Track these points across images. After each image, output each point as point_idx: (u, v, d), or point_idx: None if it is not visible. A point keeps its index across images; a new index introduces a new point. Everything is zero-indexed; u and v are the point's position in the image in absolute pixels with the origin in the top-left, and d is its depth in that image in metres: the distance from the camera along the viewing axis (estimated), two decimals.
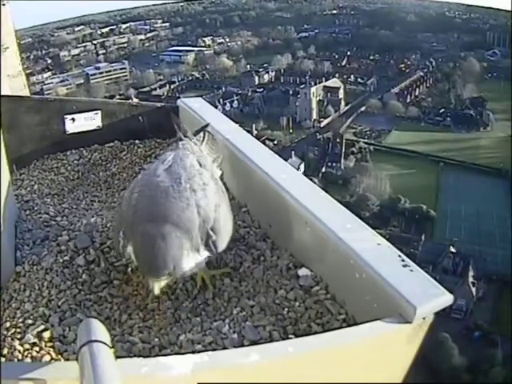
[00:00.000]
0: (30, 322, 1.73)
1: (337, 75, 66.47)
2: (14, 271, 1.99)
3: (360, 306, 1.64)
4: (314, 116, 60.26)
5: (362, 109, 62.35)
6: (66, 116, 3.02)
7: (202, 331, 1.71)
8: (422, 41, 75.72)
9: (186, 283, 1.98)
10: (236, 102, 60.95)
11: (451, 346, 27.62)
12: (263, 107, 60.56)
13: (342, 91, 63.09)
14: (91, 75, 69.79)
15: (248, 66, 72.65)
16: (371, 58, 73.36)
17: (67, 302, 1.84)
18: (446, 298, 1.50)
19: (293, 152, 47.96)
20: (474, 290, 32.66)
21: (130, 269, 2.04)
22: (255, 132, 49.98)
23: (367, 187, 44.85)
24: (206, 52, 77.01)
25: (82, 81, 69.18)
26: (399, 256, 1.64)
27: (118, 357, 1.21)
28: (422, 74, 68.14)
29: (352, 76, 68.86)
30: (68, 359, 1.58)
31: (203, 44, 79.60)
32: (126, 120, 3.15)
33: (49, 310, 1.80)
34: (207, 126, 2.35)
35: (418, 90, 65.66)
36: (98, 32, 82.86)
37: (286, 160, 2.42)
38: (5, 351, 1.59)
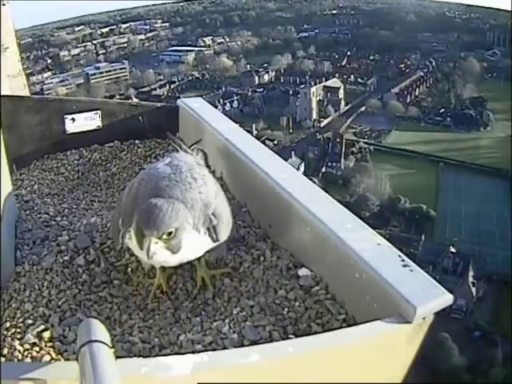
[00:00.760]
0: (29, 321, 1.73)
1: (337, 75, 66.48)
2: (14, 271, 1.99)
3: (360, 305, 1.63)
4: (314, 116, 60.25)
5: (362, 109, 62.35)
6: (65, 116, 3.03)
7: (202, 331, 1.70)
8: (421, 41, 75.75)
9: (186, 283, 1.98)
10: (236, 102, 60.95)
11: (451, 346, 27.61)
12: (263, 107, 60.55)
13: (341, 91, 63.09)
14: (91, 75, 69.81)
15: (248, 66, 72.66)
16: (371, 57, 73.36)
17: (67, 302, 1.84)
18: (446, 298, 1.50)
19: (293, 152, 47.94)
20: (474, 289, 32.65)
21: (129, 269, 2.05)
22: (255, 132, 49.97)
23: (367, 187, 44.82)
24: (206, 52, 77.04)
25: (82, 81, 69.20)
26: (399, 256, 1.64)
27: (118, 357, 1.21)
28: (422, 73, 68.15)
29: (352, 76, 68.87)
30: (68, 359, 1.58)
31: (203, 44, 79.62)
32: (126, 120, 3.15)
33: (49, 310, 1.80)
34: (200, 141, 2.39)
35: (418, 90, 65.67)
36: (98, 32, 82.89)
37: (286, 160, 2.42)
38: (5, 351, 1.59)
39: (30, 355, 1.58)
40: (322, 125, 58.94)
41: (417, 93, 65.47)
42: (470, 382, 26.98)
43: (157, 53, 78.87)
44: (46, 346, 1.63)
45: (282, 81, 67.76)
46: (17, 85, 3.77)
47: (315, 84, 62.00)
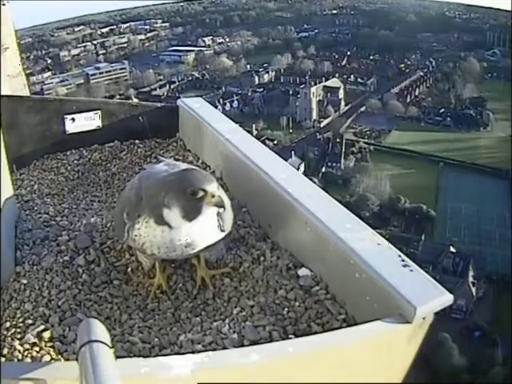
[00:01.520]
0: (29, 321, 1.73)
1: (337, 75, 66.47)
2: (14, 271, 1.99)
3: (360, 305, 1.63)
4: (314, 116, 60.24)
5: (362, 109, 62.34)
6: (65, 116, 3.03)
7: (202, 331, 1.70)
8: (421, 41, 75.71)
9: (185, 283, 1.98)
10: (236, 102, 60.93)
11: (451, 346, 27.59)
12: (263, 107, 60.54)
13: (342, 91, 63.08)
14: (91, 75, 69.79)
15: (248, 66, 72.62)
16: (371, 57, 73.33)
17: (67, 302, 1.84)
18: (445, 298, 1.50)
19: (293, 152, 47.94)
20: (474, 289, 32.64)
21: (129, 269, 2.05)
22: (255, 132, 49.94)
23: (367, 187, 44.81)
24: (206, 52, 77.00)
25: (81, 81, 69.18)
26: (399, 256, 1.64)
27: (117, 357, 1.21)
28: (422, 73, 68.15)
29: (352, 76, 68.82)
30: (68, 359, 1.58)
31: (203, 44, 79.60)
32: (126, 120, 3.15)
33: (49, 310, 1.80)
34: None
35: (418, 90, 65.65)
36: (98, 32, 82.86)
37: (286, 160, 2.42)
38: (5, 351, 1.59)
39: (30, 355, 1.58)
40: (322, 125, 58.93)
41: (417, 93, 65.46)
42: (469, 382, 26.95)
43: (157, 53, 78.85)
44: (45, 346, 1.63)
45: (282, 81, 67.76)
46: (17, 85, 3.77)
47: (315, 84, 61.98)
